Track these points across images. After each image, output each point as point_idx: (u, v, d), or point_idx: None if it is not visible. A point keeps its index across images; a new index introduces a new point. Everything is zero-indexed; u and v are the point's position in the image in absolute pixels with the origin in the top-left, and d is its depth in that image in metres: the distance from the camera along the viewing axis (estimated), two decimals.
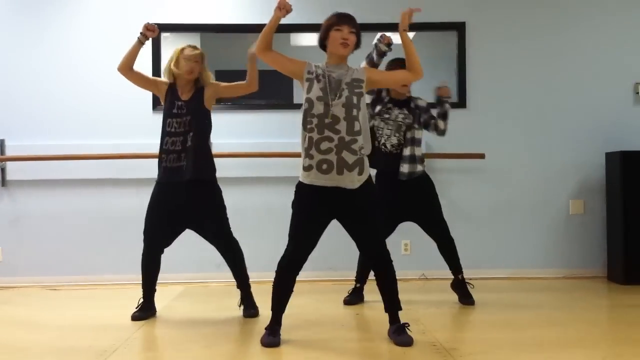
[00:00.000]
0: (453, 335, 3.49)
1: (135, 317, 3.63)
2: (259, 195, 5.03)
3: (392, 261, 3.12)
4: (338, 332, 3.39)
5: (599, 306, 4.21)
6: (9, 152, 4.97)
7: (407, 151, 3.96)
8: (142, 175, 4.85)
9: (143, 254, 3.70)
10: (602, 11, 5.21)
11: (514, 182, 5.15)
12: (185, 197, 3.59)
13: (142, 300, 3.72)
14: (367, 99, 3.91)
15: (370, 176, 3.11)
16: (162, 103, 3.73)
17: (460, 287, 4.09)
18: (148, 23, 3.58)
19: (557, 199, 5.18)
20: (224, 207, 3.70)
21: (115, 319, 3.64)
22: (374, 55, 3.70)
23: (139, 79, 3.78)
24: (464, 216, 4.91)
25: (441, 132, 4.06)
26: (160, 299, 3.88)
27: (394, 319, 3.12)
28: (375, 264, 3.16)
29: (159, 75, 4.87)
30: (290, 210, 3.10)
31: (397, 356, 2.88)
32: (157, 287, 3.77)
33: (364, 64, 3.68)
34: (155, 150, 4.39)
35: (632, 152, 4.86)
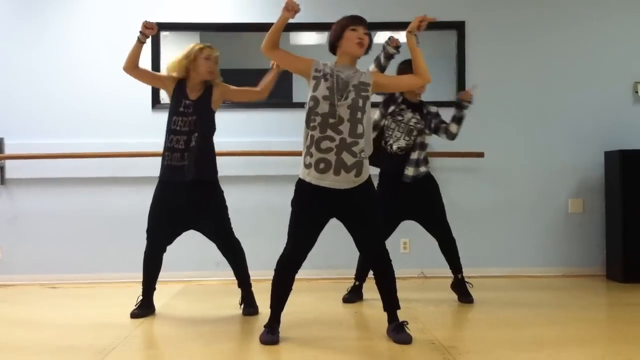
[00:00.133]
0: (452, 333, 3.49)
1: (134, 315, 3.64)
2: (258, 193, 5.03)
3: (391, 261, 3.12)
4: (337, 330, 3.39)
5: (597, 304, 4.21)
6: (8, 150, 4.97)
7: (414, 155, 3.97)
8: (141, 174, 4.86)
9: (145, 252, 3.70)
10: (602, 11, 5.22)
11: (513, 181, 5.16)
12: (186, 198, 3.59)
13: (141, 298, 3.72)
14: (380, 97, 3.93)
15: (370, 176, 3.10)
16: (169, 99, 3.70)
17: (460, 286, 4.10)
18: (146, 21, 3.58)
19: (556, 198, 5.18)
20: (225, 207, 3.70)
21: (115, 317, 3.64)
22: (382, 58, 3.69)
23: (145, 77, 3.79)
24: (463, 215, 4.91)
25: (452, 136, 4.06)
26: (160, 297, 3.88)
27: (392, 317, 3.13)
28: (375, 263, 3.16)
29: (159, 72, 4.90)
30: (290, 209, 3.10)
31: (396, 354, 2.88)
32: (156, 286, 3.77)
33: (372, 66, 3.69)
34: (155, 148, 4.39)
35: (631, 151, 4.86)
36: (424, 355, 2.85)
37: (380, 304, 3.16)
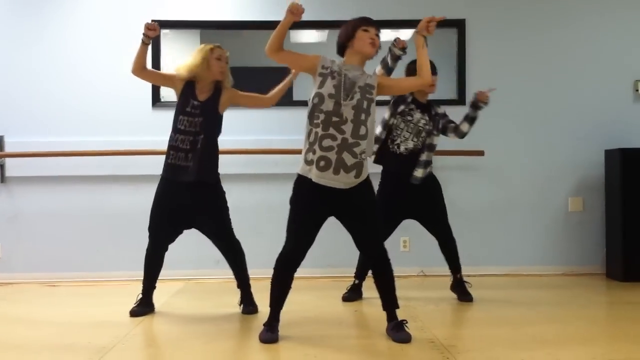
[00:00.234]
0: (451, 332, 3.49)
1: (134, 313, 3.64)
2: (259, 192, 5.03)
3: (389, 260, 3.12)
4: (337, 328, 3.39)
5: (597, 303, 4.21)
6: (8, 148, 4.96)
7: (423, 157, 3.97)
8: (141, 172, 4.86)
9: (147, 250, 3.70)
10: (602, 9, 5.21)
11: (513, 180, 5.16)
12: (188, 198, 3.59)
13: (140, 295, 3.72)
14: (388, 96, 3.92)
15: (368, 175, 3.10)
16: (177, 98, 3.68)
17: (459, 286, 4.10)
18: (148, 22, 3.57)
19: (556, 196, 5.18)
20: (226, 208, 3.69)
21: (114, 315, 3.63)
22: (389, 60, 3.67)
23: (154, 78, 3.82)
24: (462, 213, 4.90)
25: (462, 135, 4.08)
26: (159, 296, 3.88)
27: (391, 316, 3.13)
28: (374, 263, 3.16)
29: (159, 70, 4.90)
30: (289, 207, 3.10)
31: (395, 353, 2.88)
32: (156, 284, 3.77)
33: (379, 68, 3.69)
34: (155, 146, 4.39)
35: (631, 150, 4.86)
36: (423, 353, 2.85)
37: (380, 302, 3.16)
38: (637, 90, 5.18)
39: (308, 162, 3.01)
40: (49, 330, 3.39)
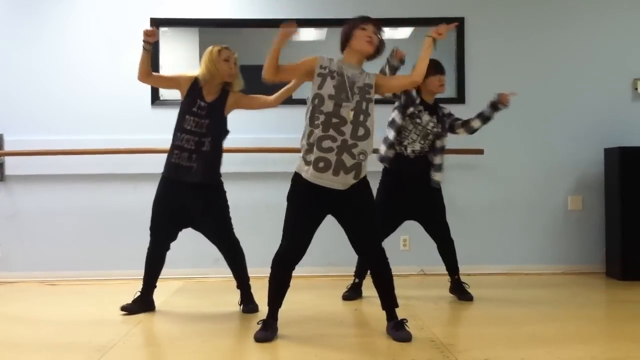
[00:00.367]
0: (451, 330, 3.49)
1: (126, 309, 3.63)
2: (258, 190, 5.03)
3: (387, 259, 3.12)
4: (336, 327, 3.39)
5: (597, 302, 4.21)
6: (8, 147, 4.96)
7: (438, 159, 3.97)
8: (140, 170, 4.86)
9: (149, 249, 3.70)
10: (602, 8, 5.21)
11: (512, 178, 5.16)
12: (190, 198, 3.59)
13: (139, 293, 3.72)
14: (395, 102, 3.91)
15: (365, 175, 3.09)
16: (182, 97, 3.68)
17: (458, 286, 4.10)
18: (146, 29, 3.55)
19: (555, 195, 5.18)
20: (227, 208, 3.70)
21: (114, 314, 3.63)
22: (387, 70, 3.63)
23: (160, 82, 3.85)
24: (462, 212, 4.91)
25: (473, 131, 4.04)
26: (159, 294, 3.88)
27: (391, 315, 3.13)
28: (372, 262, 3.16)
29: (157, 69, 4.90)
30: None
31: (395, 352, 2.88)
32: (157, 283, 3.77)
33: None
34: (154, 145, 4.38)
35: (630, 148, 4.86)
36: (423, 352, 2.85)
37: (379, 301, 3.16)
38: (636, 89, 5.18)
39: (306, 162, 3.00)
40: (48, 329, 3.39)
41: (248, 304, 3.73)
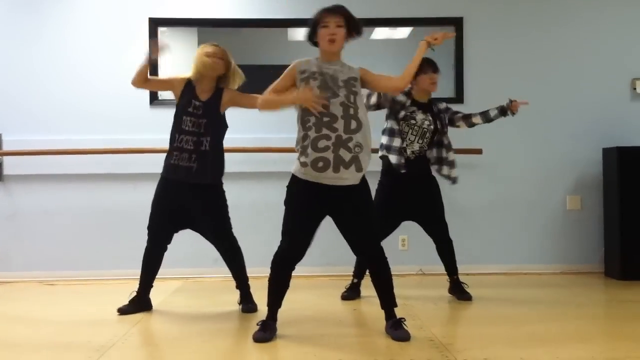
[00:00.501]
0: (450, 330, 3.49)
1: (122, 311, 3.62)
2: (257, 190, 5.03)
3: (386, 259, 3.12)
4: (335, 327, 3.39)
5: (595, 302, 4.21)
6: (6, 146, 4.96)
7: (451, 156, 3.99)
8: (139, 170, 4.86)
9: (146, 250, 3.70)
10: (600, 7, 5.22)
11: (511, 178, 5.16)
12: (189, 198, 3.59)
13: (134, 294, 3.71)
14: (379, 106, 3.92)
15: (364, 175, 3.08)
16: (176, 98, 3.68)
17: (457, 286, 4.10)
18: (154, 41, 3.56)
19: (554, 195, 5.18)
20: (226, 208, 3.69)
21: (113, 314, 3.63)
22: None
23: (154, 86, 3.89)
24: (461, 212, 4.91)
25: (472, 125, 4.08)
26: (157, 294, 3.88)
27: (390, 315, 3.12)
28: (371, 262, 3.16)
29: (157, 71, 4.90)
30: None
31: (394, 351, 2.88)
32: (154, 283, 3.77)
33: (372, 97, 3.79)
34: (153, 145, 4.38)
35: (629, 148, 4.86)
36: (422, 352, 2.85)
37: (378, 301, 3.16)
38: (635, 89, 5.19)
39: (302, 164, 3.00)
40: (47, 328, 3.39)
41: (247, 303, 3.73)
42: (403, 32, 5.29)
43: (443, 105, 4.06)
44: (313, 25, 3.09)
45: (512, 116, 4.02)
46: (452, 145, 4.05)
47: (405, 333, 3.03)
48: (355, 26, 3.08)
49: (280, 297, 3.12)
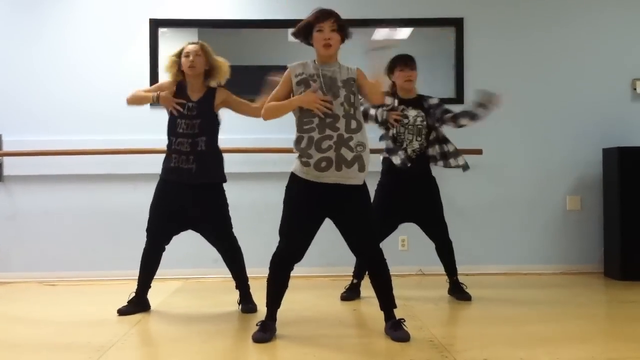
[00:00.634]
0: (450, 330, 3.49)
1: (122, 312, 3.62)
2: (257, 190, 5.03)
3: (385, 260, 3.12)
4: (335, 328, 3.39)
5: (595, 302, 4.21)
6: (6, 147, 4.96)
7: (451, 147, 3.99)
8: (139, 171, 4.86)
9: (145, 250, 3.70)
10: (600, 7, 5.22)
11: (511, 178, 5.16)
12: (190, 199, 3.59)
13: (133, 295, 3.71)
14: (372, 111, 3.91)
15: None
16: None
17: (457, 287, 4.10)
18: (169, 100, 3.60)
19: (554, 195, 5.18)
20: (226, 208, 3.70)
21: (113, 314, 3.62)
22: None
23: (145, 100, 3.84)
24: (460, 212, 4.91)
25: (460, 127, 3.97)
26: (157, 295, 3.88)
27: (389, 315, 3.12)
28: (370, 263, 3.16)
29: (157, 72, 4.90)
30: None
31: (394, 352, 2.88)
32: (153, 283, 3.77)
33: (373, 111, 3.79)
34: (153, 145, 4.38)
35: (629, 148, 4.86)
36: (422, 352, 2.85)
37: (378, 301, 3.16)
38: (635, 89, 5.19)
39: (304, 164, 3.00)
40: (47, 329, 3.39)
41: (247, 303, 3.73)
42: (404, 32, 5.29)
43: (435, 101, 4.01)
44: (307, 27, 3.08)
45: (493, 109, 3.83)
46: (448, 139, 4.04)
47: (404, 334, 3.03)
48: (345, 30, 3.09)
49: (279, 297, 3.12)
